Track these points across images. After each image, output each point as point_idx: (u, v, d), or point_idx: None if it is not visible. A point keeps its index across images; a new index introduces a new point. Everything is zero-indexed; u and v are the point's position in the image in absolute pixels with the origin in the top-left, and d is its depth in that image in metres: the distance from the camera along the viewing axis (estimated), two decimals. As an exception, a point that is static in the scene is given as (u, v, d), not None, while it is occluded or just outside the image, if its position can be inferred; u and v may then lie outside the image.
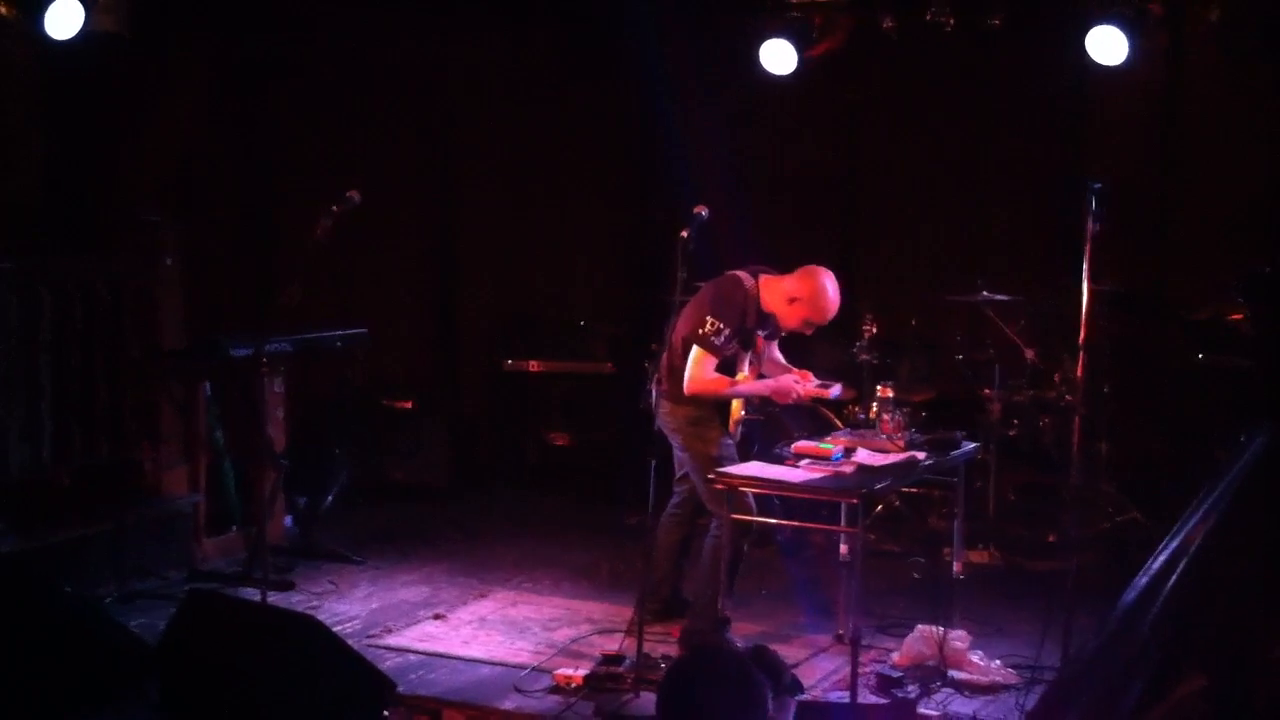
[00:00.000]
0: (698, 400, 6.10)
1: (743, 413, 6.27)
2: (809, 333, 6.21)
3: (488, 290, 9.95)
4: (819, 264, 6.15)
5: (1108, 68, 7.86)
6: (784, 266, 6.22)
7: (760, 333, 6.21)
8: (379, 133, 9.47)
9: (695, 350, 6.01)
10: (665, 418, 6.17)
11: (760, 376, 6.26)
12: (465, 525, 8.46)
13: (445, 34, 9.36)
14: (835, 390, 6.21)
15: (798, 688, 5.51)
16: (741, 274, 6.18)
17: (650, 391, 6.19)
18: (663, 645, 6.03)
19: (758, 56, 8.55)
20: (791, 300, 6.09)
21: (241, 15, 8.50)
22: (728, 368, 6.11)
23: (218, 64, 8.73)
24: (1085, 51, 7.84)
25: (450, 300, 10.00)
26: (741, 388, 6.12)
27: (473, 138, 9.82)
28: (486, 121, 9.77)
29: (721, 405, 6.22)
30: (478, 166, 9.87)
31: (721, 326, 5.99)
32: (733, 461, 6.01)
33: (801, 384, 6.10)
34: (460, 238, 10.04)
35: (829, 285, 6.08)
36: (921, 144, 8.98)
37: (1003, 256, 8.60)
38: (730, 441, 6.17)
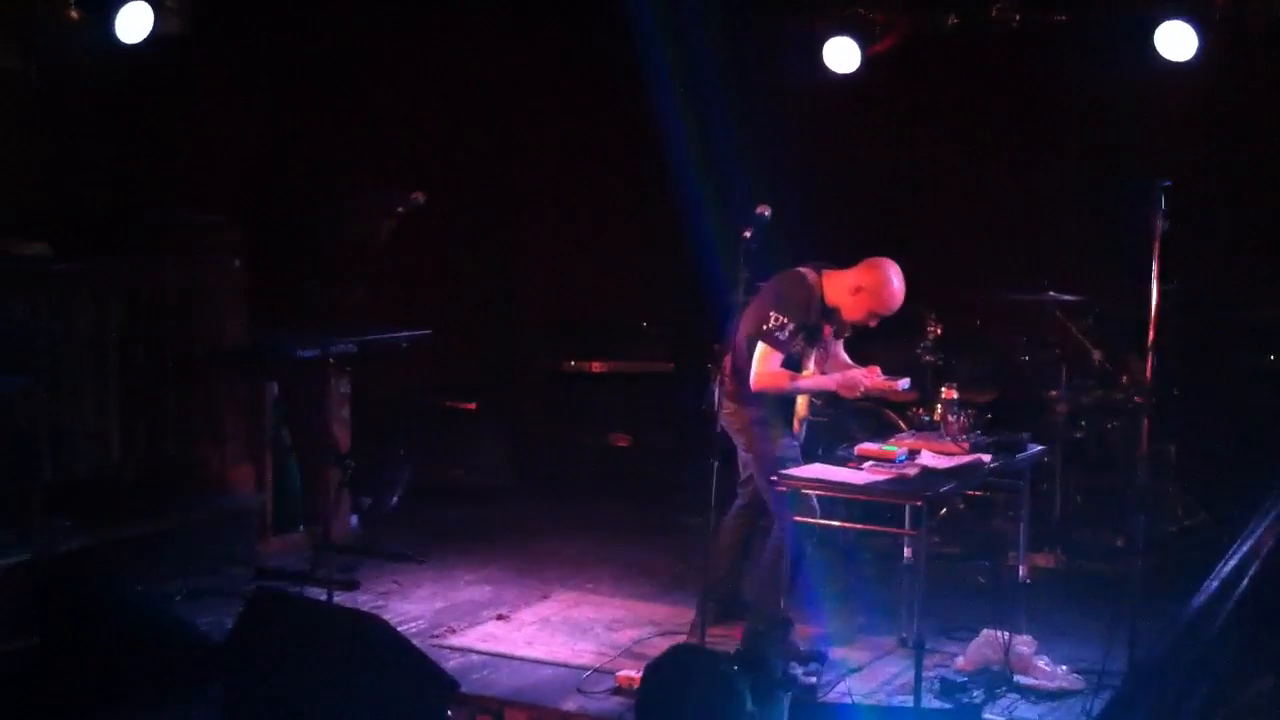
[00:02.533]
0: (762, 400, 6.08)
1: (807, 412, 6.25)
2: (873, 325, 6.17)
3: (548, 291, 9.97)
4: (878, 255, 6.14)
5: (1171, 65, 7.76)
6: (847, 264, 6.20)
7: (824, 330, 6.18)
8: (440, 134, 9.51)
9: (760, 346, 5.99)
10: (729, 418, 6.16)
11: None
12: (526, 526, 8.49)
13: (503, 39, 9.39)
14: (904, 383, 6.17)
15: (790, 683, 5.43)
16: (804, 269, 6.16)
17: (713, 392, 6.18)
18: (724, 647, 6.02)
19: (821, 55, 8.51)
20: (856, 290, 6.07)
21: (306, 17, 8.56)
22: (793, 366, 6.09)
23: (283, 65, 8.79)
24: (1151, 48, 7.74)
25: (511, 301, 10.04)
26: (806, 383, 6.10)
27: (532, 139, 9.84)
28: (545, 122, 9.80)
29: (786, 406, 6.21)
30: (537, 167, 9.90)
31: (785, 321, 5.97)
32: (796, 463, 5.98)
33: (869, 377, 6.07)
34: (521, 238, 10.07)
35: (893, 275, 6.06)
36: (985, 141, 8.91)
37: (1069, 255, 8.51)
38: (794, 443, 6.15)
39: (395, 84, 9.34)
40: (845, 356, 6.42)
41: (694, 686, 4.07)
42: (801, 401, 6.23)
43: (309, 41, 8.80)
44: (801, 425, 6.25)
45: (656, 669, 4.27)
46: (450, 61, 9.39)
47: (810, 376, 6.12)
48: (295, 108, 9.00)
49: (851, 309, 6.10)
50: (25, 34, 7.37)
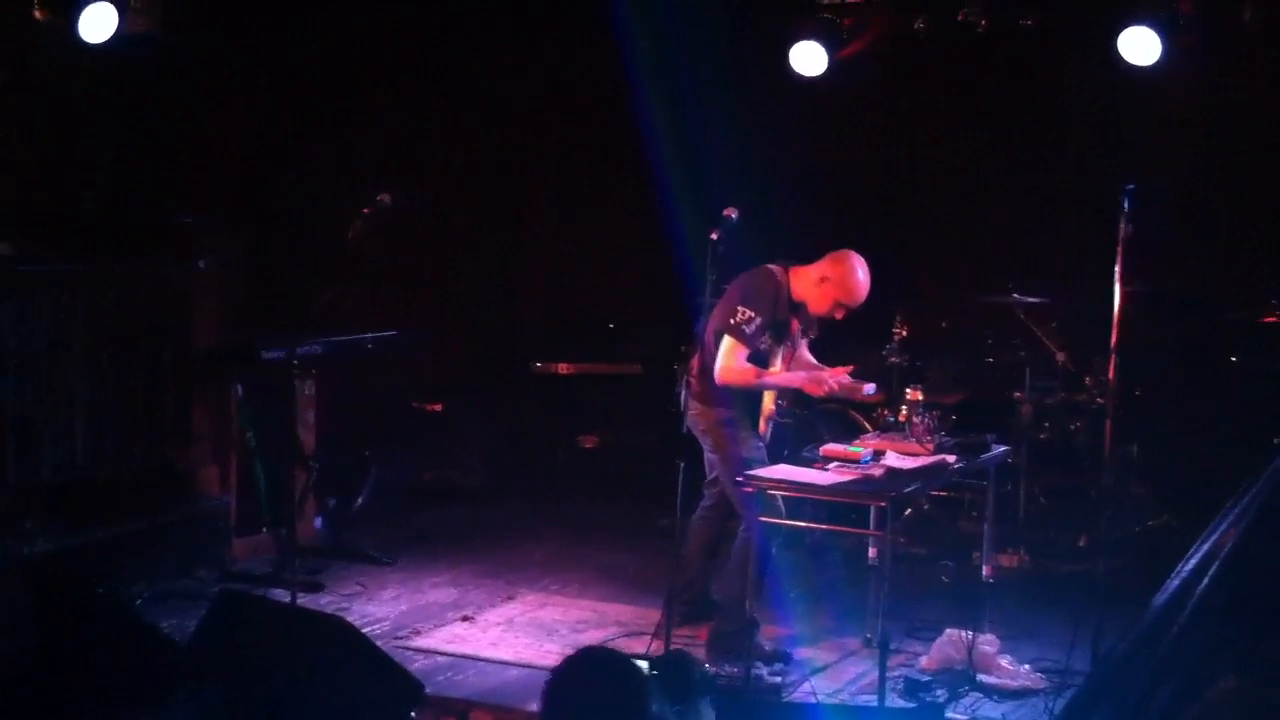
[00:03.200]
0: (730, 401, 6.10)
1: (774, 408, 6.26)
2: (840, 316, 6.19)
3: (519, 293, 9.96)
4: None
5: (1145, 68, 7.80)
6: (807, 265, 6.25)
7: (791, 327, 6.20)
8: (425, 140, 9.48)
9: (726, 340, 6.01)
10: (696, 419, 6.17)
11: None
12: (494, 527, 8.48)
13: (495, 40, 9.39)
14: (870, 388, 6.20)
15: (709, 687, 5.41)
16: (772, 266, 6.20)
17: (680, 393, 6.19)
18: (691, 648, 6.03)
19: (788, 58, 8.53)
20: (821, 281, 6.10)
21: (296, 17, 8.53)
22: (760, 363, 6.11)
23: (264, 66, 8.75)
24: (1117, 52, 7.78)
25: (481, 303, 10.02)
26: (772, 379, 6.11)
27: (509, 144, 9.84)
28: (522, 126, 9.79)
29: (753, 407, 6.22)
30: (511, 173, 9.90)
31: (753, 315, 5.99)
32: (763, 464, 6.00)
33: (836, 377, 6.08)
34: (492, 242, 10.06)
35: (858, 266, 6.09)
36: (952, 145, 8.95)
37: (1034, 258, 8.55)
38: (760, 444, 6.16)
39: (381, 85, 9.31)
40: (810, 358, 6.44)
41: (600, 690, 4.07)
42: (767, 400, 6.24)
43: (302, 43, 8.76)
44: (768, 424, 6.27)
45: (562, 673, 4.27)
46: (438, 63, 9.37)
47: (777, 373, 6.14)
48: (284, 109, 8.96)
49: (817, 301, 6.13)
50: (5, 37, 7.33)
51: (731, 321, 6.00)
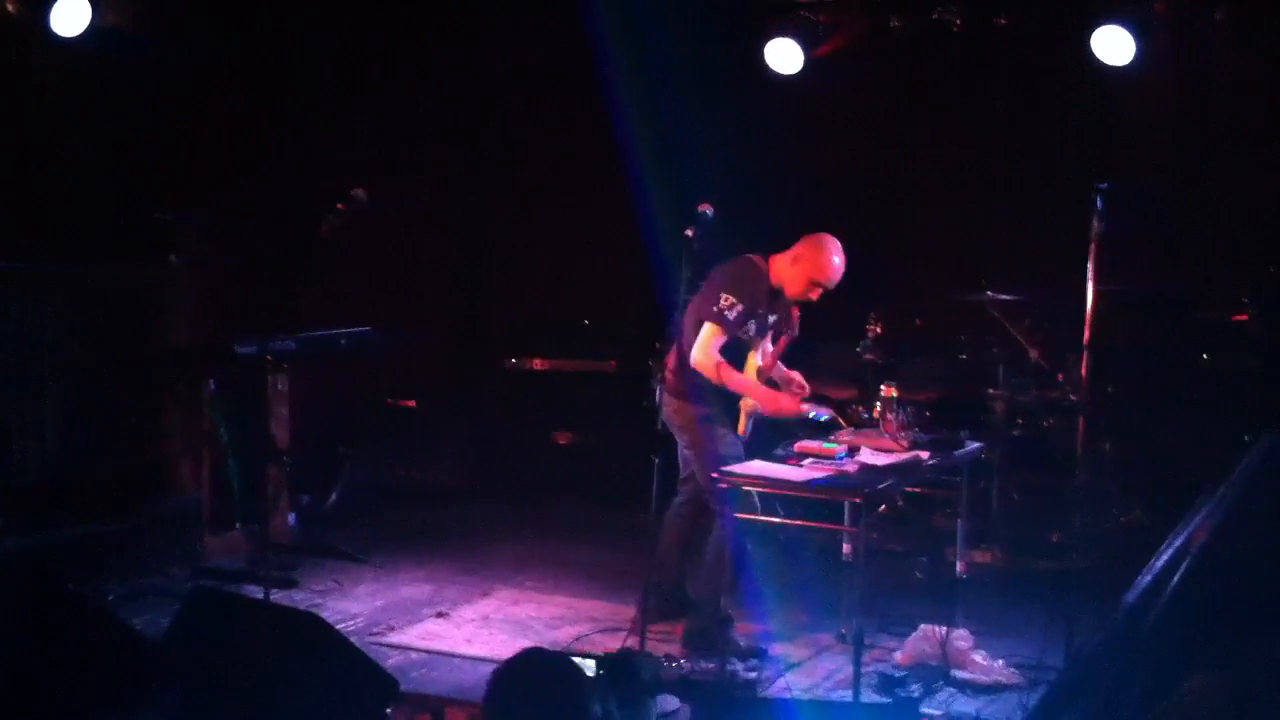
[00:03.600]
0: (705, 397, 6.10)
1: (753, 404, 6.27)
2: (814, 297, 6.23)
3: (493, 290, 9.94)
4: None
5: (1120, 67, 7.83)
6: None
7: (771, 317, 6.21)
8: (404, 135, 9.45)
9: (707, 326, 6.04)
10: (672, 415, 6.17)
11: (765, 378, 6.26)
12: (469, 524, 8.47)
13: (468, 40, 9.37)
14: (824, 415, 6.21)
15: (658, 686, 5.43)
16: (753, 256, 6.23)
17: (656, 390, 6.19)
18: (666, 644, 6.04)
19: (763, 56, 8.53)
20: (795, 261, 6.17)
21: (272, 16, 8.50)
22: (742, 353, 6.12)
23: (253, 66, 8.72)
24: (1089, 51, 7.81)
25: (455, 300, 10.00)
26: (734, 380, 6.09)
27: (483, 140, 9.82)
28: (496, 124, 9.77)
29: (730, 404, 6.22)
30: (485, 169, 9.87)
31: (735, 302, 6.03)
32: (739, 460, 6.00)
33: (791, 403, 6.09)
34: (464, 237, 10.03)
35: (831, 245, 6.17)
36: (927, 143, 8.96)
37: (1008, 256, 8.57)
38: (737, 440, 6.17)
39: (362, 85, 9.29)
40: (782, 367, 6.43)
41: (540, 691, 4.07)
42: (747, 399, 6.25)
43: (278, 41, 8.72)
44: (748, 420, 6.27)
45: (503, 674, 4.28)
46: (405, 60, 9.35)
47: (740, 377, 6.13)
48: (264, 108, 8.92)
49: (793, 282, 6.17)
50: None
51: (714, 309, 6.02)
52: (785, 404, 6.11)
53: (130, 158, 8.11)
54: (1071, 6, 7.98)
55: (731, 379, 6.09)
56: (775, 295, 6.22)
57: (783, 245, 6.35)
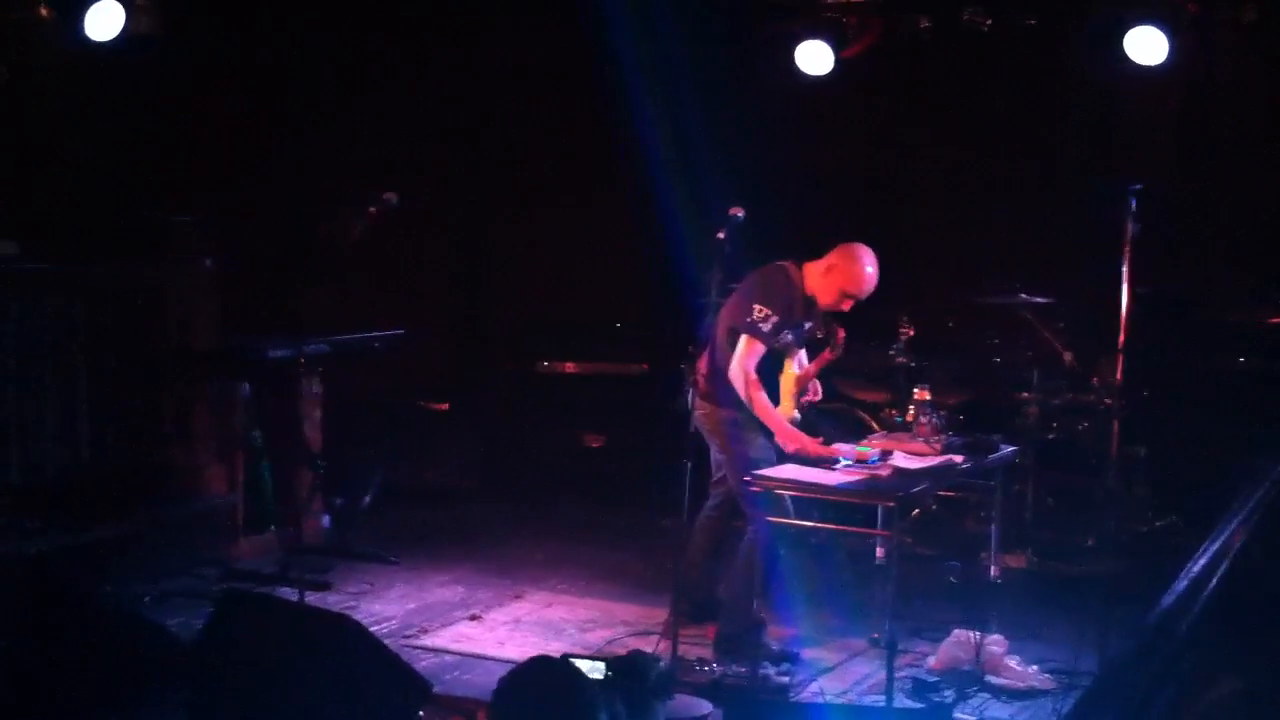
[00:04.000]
0: (737, 402, 6.09)
1: (795, 412, 6.25)
2: (846, 308, 6.19)
3: (521, 292, 9.95)
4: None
5: (1144, 68, 7.80)
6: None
7: (806, 324, 6.20)
8: (416, 135, 9.48)
9: (743, 339, 6.01)
10: (704, 419, 6.16)
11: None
12: (499, 527, 8.48)
13: (475, 40, 9.38)
14: (850, 458, 5.97)
15: (666, 688, 5.37)
16: (785, 263, 6.21)
17: (688, 393, 6.18)
18: (697, 648, 6.04)
19: (794, 58, 8.52)
20: (828, 270, 6.12)
21: (278, 17, 8.53)
22: (777, 361, 6.13)
23: (256, 66, 8.75)
24: (1121, 52, 7.77)
25: (485, 302, 10.02)
26: (761, 405, 6.01)
27: (508, 139, 9.84)
28: (521, 123, 9.79)
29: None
30: (512, 168, 9.89)
31: (769, 314, 6.01)
32: (770, 464, 5.99)
33: (812, 445, 5.99)
34: (495, 239, 10.05)
35: (864, 255, 6.12)
36: (958, 145, 8.93)
37: (1040, 259, 8.53)
38: (768, 444, 6.15)
39: (367, 85, 9.31)
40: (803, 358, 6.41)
41: (546, 700, 4.07)
42: (787, 402, 6.23)
43: (294, 44, 8.76)
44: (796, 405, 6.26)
45: (509, 682, 4.27)
46: (423, 61, 9.37)
47: (767, 404, 6.07)
48: (269, 109, 8.97)
49: (825, 291, 6.14)
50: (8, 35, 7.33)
51: (748, 320, 6.00)
52: (809, 446, 5.98)
53: (158, 160, 8.16)
54: (1102, 7, 7.95)
55: (759, 403, 6.02)
56: (810, 304, 6.19)
57: (812, 249, 6.33)
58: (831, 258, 6.15)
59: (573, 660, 5.16)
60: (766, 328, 6.00)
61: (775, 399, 6.20)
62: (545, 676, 4.46)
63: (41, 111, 7.83)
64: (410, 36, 9.20)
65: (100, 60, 7.47)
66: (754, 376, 6.01)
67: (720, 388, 6.08)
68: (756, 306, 6.00)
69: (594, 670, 5.15)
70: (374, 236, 8.41)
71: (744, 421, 6.13)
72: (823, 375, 6.47)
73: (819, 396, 6.37)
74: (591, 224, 9.79)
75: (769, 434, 6.17)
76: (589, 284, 9.83)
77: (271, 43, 8.70)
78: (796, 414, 6.28)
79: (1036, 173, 8.75)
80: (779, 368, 6.20)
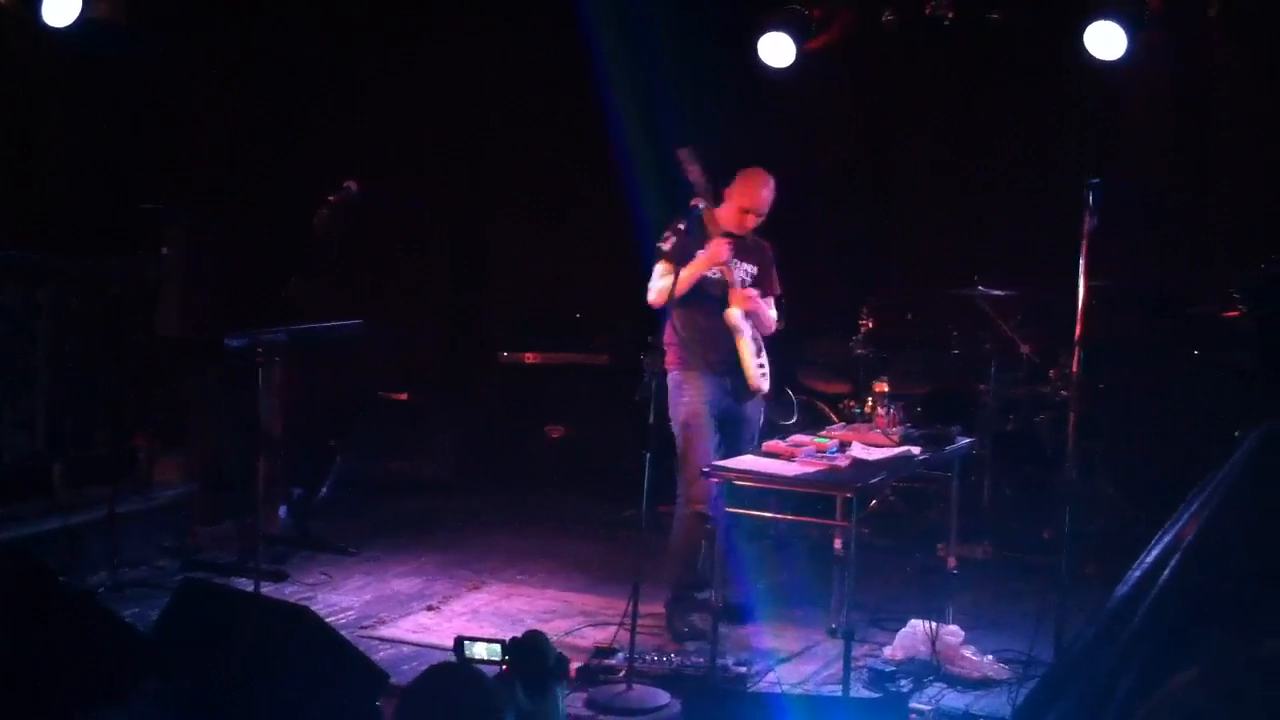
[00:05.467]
0: (676, 359, 6.22)
1: (755, 363, 6.24)
2: (750, 225, 6.32)
3: (487, 283, 9.93)
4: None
5: (1112, 62, 7.84)
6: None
7: (743, 264, 6.31)
8: (392, 130, 9.45)
9: (656, 267, 6.23)
10: (667, 394, 6.21)
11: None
12: (461, 518, 8.46)
13: (466, 33, 9.37)
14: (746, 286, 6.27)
15: (563, 668, 5.32)
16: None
17: (647, 384, 6.17)
18: (655, 638, 6.05)
19: (756, 50, 8.52)
20: (728, 196, 6.31)
21: (264, 12, 8.48)
22: (715, 305, 6.19)
23: (243, 61, 8.70)
24: (1081, 46, 7.81)
25: (450, 293, 10.00)
26: (684, 270, 6.05)
27: (481, 135, 9.82)
28: (494, 119, 9.77)
29: (731, 362, 6.21)
30: (484, 163, 9.87)
31: (667, 234, 6.23)
32: (699, 430, 6.10)
33: (722, 246, 6.17)
34: (460, 232, 10.02)
35: (758, 174, 6.31)
36: (919, 138, 8.97)
37: (999, 252, 8.58)
38: (702, 404, 6.18)
39: (352, 78, 9.27)
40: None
41: (450, 707, 4.06)
42: (746, 355, 6.21)
43: (273, 36, 8.71)
44: (758, 382, 6.27)
45: (410, 697, 4.25)
46: (399, 56, 9.34)
47: (663, 279, 6.19)
48: (256, 103, 8.91)
49: (726, 213, 6.29)
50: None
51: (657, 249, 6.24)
52: (719, 252, 6.16)
53: (124, 151, 8.10)
54: (1064, 1, 7.99)
55: (681, 271, 6.03)
56: (740, 243, 6.31)
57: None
58: (731, 186, 6.32)
59: (469, 644, 5.21)
60: (665, 247, 6.19)
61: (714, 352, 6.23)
62: (448, 687, 4.42)
63: (8, 101, 7.76)
64: (406, 36, 9.21)
65: (88, 53, 7.41)
66: (659, 283, 6.17)
67: (666, 354, 6.16)
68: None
69: (490, 653, 5.16)
70: (342, 227, 8.40)
71: (679, 380, 6.24)
72: (782, 367, 6.48)
73: (755, 302, 6.34)
74: (558, 216, 9.79)
75: (705, 385, 6.18)
76: (552, 275, 9.82)
77: (269, 41, 8.65)
78: (764, 385, 6.28)
79: (998, 166, 8.79)
80: (723, 305, 6.21)
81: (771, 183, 6.34)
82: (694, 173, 6.01)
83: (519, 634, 5.93)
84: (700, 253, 6.16)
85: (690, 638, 6.11)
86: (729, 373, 6.25)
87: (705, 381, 6.23)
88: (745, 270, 6.35)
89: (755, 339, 6.30)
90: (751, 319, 6.31)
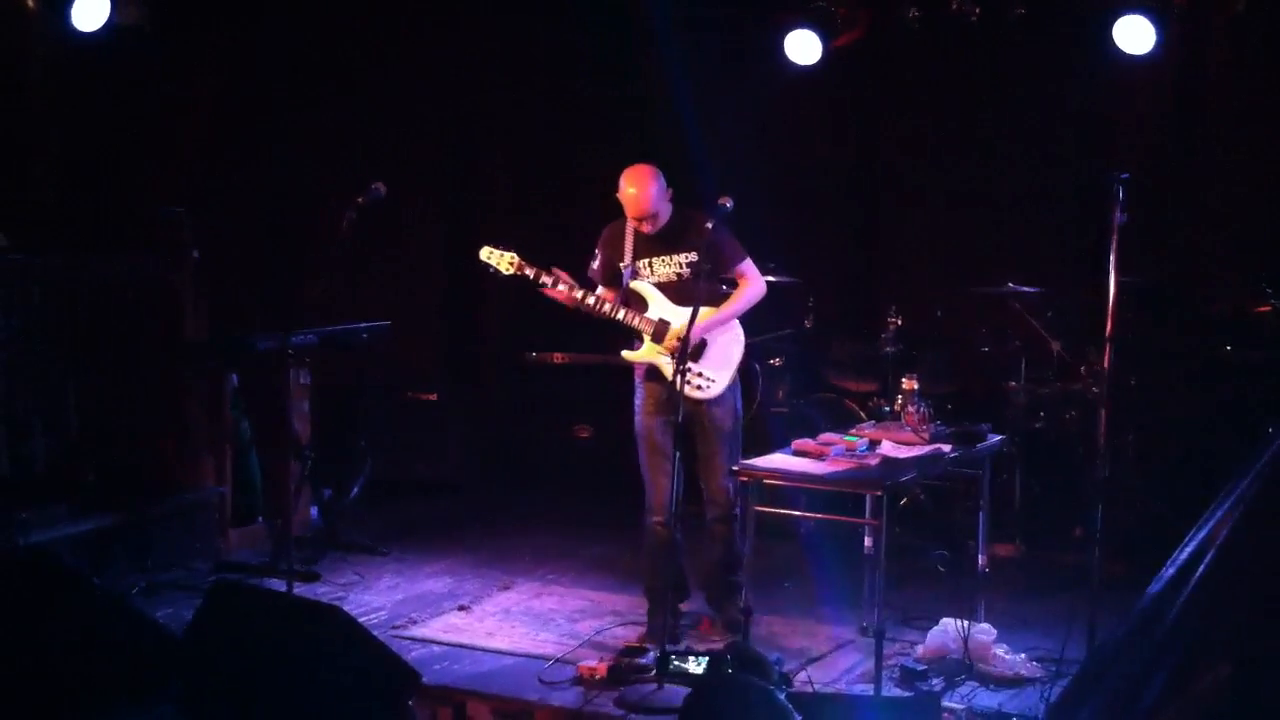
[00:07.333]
0: (636, 367, 6.28)
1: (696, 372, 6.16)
2: (644, 229, 6.17)
3: (510, 282, 9.92)
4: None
5: (1132, 59, 7.81)
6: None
7: (679, 255, 6.19)
8: (404, 126, 9.47)
9: None
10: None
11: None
12: (489, 518, 8.48)
13: (466, 29, 9.38)
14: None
15: (785, 677, 5.48)
16: None
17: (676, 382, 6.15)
18: (683, 637, 6.05)
19: (782, 47, 8.52)
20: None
21: (264, 10, 8.51)
22: (639, 305, 6.27)
23: (241, 58, 8.73)
24: (1109, 42, 7.78)
25: (474, 292, 10.00)
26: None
27: (498, 128, 9.83)
28: (511, 111, 9.78)
29: (649, 371, 6.24)
30: (499, 158, 9.88)
31: (596, 252, 6.30)
32: (644, 439, 6.19)
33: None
34: (484, 229, 10.02)
35: (623, 178, 6.15)
36: (947, 135, 8.93)
37: (1028, 249, 8.54)
38: (649, 415, 6.20)
39: (357, 77, 9.30)
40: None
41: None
42: (675, 380, 5.95)
43: (270, 35, 8.74)
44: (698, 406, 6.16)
45: (701, 695, 4.28)
46: (409, 53, 9.36)
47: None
48: (257, 101, 8.95)
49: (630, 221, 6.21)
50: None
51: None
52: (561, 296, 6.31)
53: (145, 153, 8.14)
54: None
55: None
56: (665, 237, 6.19)
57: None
58: None
59: (675, 659, 5.42)
60: (594, 267, 6.32)
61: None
62: (738, 691, 4.49)
63: (30, 103, 7.82)
64: (407, 35, 9.20)
65: (88, 52, 7.45)
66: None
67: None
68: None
69: (699, 665, 5.38)
70: (365, 228, 8.43)
71: (634, 390, 6.30)
72: (810, 366, 6.46)
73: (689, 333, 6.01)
74: (581, 214, 9.75)
75: (653, 395, 6.21)
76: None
77: (269, 41, 8.68)
78: (703, 394, 6.15)
79: (1025, 163, 8.75)
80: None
81: (640, 177, 6.10)
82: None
83: (551, 633, 5.97)
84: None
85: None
86: (669, 383, 6.07)
87: (654, 391, 6.18)
88: (678, 263, 6.18)
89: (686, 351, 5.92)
90: (712, 329, 6.15)
